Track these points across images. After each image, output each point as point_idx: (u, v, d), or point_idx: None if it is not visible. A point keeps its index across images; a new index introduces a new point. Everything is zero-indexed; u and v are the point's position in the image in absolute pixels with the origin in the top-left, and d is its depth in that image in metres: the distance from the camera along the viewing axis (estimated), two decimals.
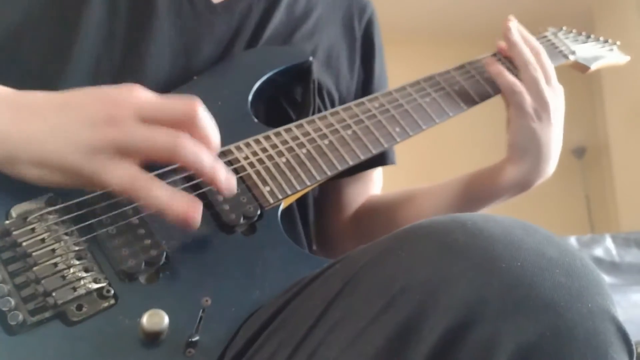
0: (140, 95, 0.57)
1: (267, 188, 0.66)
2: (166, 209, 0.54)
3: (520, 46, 0.86)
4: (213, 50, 0.78)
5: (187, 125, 0.56)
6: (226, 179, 0.58)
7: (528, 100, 0.83)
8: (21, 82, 0.66)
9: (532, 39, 0.89)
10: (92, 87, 0.59)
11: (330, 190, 0.92)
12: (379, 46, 0.96)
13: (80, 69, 0.70)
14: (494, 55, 0.91)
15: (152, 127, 0.55)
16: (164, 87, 0.73)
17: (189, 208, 0.55)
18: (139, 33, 0.73)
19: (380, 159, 0.93)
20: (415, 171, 2.74)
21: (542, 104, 0.83)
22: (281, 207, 0.67)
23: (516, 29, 0.88)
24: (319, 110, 0.80)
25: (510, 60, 0.89)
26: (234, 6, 0.80)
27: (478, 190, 0.88)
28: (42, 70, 0.70)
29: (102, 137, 0.54)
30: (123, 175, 0.54)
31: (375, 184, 0.99)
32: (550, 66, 0.87)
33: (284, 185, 0.67)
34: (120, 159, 0.54)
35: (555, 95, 0.85)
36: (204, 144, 0.57)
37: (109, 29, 0.72)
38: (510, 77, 0.84)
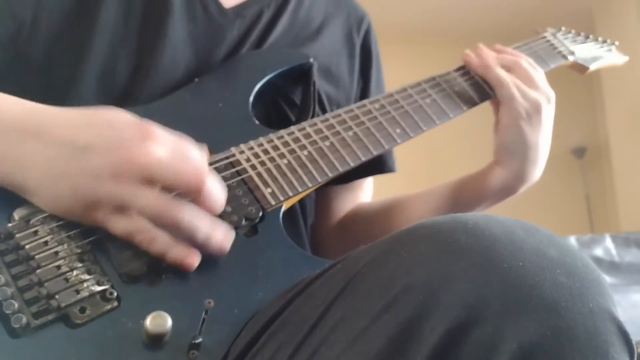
0: (151, 150, 0.55)
1: (269, 189, 0.66)
2: (166, 255, 0.56)
3: (489, 59, 0.87)
4: (224, 54, 0.78)
5: (192, 195, 0.57)
6: (220, 247, 0.59)
7: (517, 96, 0.83)
8: (34, 81, 0.67)
9: (508, 49, 0.91)
10: (105, 120, 0.57)
11: (320, 196, 0.93)
12: (376, 55, 0.97)
13: (96, 68, 0.71)
14: (462, 68, 0.91)
15: (154, 197, 0.55)
16: (174, 87, 0.74)
17: (186, 256, 0.57)
18: (153, 34, 0.74)
19: (380, 166, 0.93)
20: (413, 177, 2.74)
21: (532, 104, 0.83)
22: (283, 209, 0.67)
23: (482, 46, 0.90)
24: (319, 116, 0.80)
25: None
26: (245, 11, 0.81)
27: (465, 195, 0.88)
28: (55, 70, 0.70)
29: (104, 193, 0.54)
30: (123, 229, 0.55)
31: (365, 193, 0.99)
32: (539, 71, 0.88)
33: (285, 186, 0.67)
34: (121, 214, 0.55)
35: (547, 99, 0.85)
36: (205, 209, 0.57)
37: (124, 29, 0.73)
38: (499, 71, 0.85)
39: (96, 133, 0.56)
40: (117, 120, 0.57)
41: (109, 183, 0.54)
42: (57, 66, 0.70)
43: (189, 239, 0.57)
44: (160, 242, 0.56)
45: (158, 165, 0.55)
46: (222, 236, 0.58)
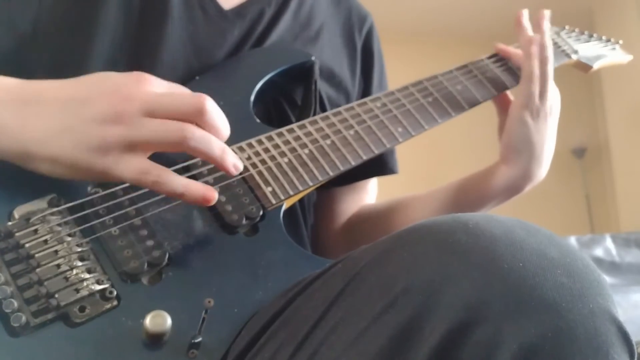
0: (147, 88, 0.57)
1: (270, 188, 0.66)
2: (184, 192, 0.56)
3: (544, 38, 0.85)
4: (225, 55, 0.78)
5: (196, 118, 0.57)
6: (234, 164, 0.59)
7: (537, 93, 0.82)
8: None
9: (546, 30, 0.87)
10: (100, 76, 0.59)
11: (324, 199, 0.93)
12: (379, 56, 0.97)
13: (96, 70, 0.71)
14: (493, 56, 0.91)
15: (159, 122, 0.56)
16: None
17: (205, 189, 0.57)
18: (152, 38, 0.74)
19: (382, 168, 0.93)
20: (415, 176, 2.74)
21: (542, 102, 0.82)
22: (283, 208, 0.67)
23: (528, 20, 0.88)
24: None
25: (508, 60, 0.90)
26: (245, 12, 0.81)
27: (469, 195, 0.87)
28: (56, 73, 0.70)
29: (111, 135, 0.54)
30: (135, 169, 0.55)
31: (370, 194, 0.99)
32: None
33: (286, 185, 0.67)
34: (131, 153, 0.55)
35: (554, 98, 0.84)
36: (212, 133, 0.58)
37: (123, 34, 0.73)
38: (535, 66, 0.83)
39: (92, 86, 0.57)
40: (110, 74, 0.58)
41: (115, 123, 0.55)
42: (60, 74, 0.70)
43: (205, 155, 0.57)
44: (175, 179, 0.56)
45: (157, 97, 0.56)
46: (233, 154, 0.59)
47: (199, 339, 0.53)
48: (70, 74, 0.69)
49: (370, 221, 0.95)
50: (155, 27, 0.74)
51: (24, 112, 0.56)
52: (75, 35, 0.71)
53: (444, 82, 0.86)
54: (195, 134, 0.56)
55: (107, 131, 0.54)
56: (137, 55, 0.73)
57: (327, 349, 0.45)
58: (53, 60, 0.70)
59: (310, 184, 0.69)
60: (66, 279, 0.54)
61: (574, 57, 0.99)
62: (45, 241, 0.56)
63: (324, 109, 0.84)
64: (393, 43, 2.53)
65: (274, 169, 0.68)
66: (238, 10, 0.80)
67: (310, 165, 0.70)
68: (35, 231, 0.56)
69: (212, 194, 0.57)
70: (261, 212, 0.65)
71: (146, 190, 0.61)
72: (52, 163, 0.56)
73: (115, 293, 0.55)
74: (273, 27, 0.83)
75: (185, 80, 0.75)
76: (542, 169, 0.85)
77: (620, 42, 1.09)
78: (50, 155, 0.55)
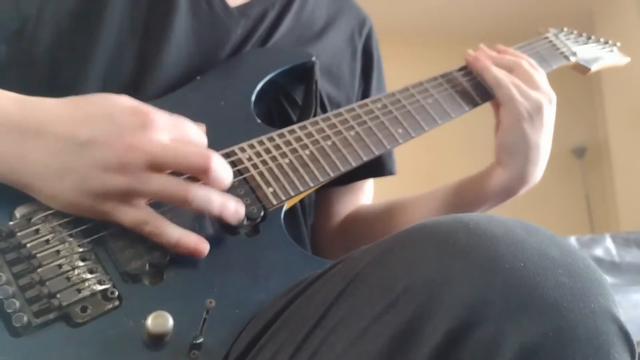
0: (153, 136, 0.56)
1: (271, 189, 0.66)
2: (177, 245, 0.57)
3: (484, 62, 0.87)
4: (228, 53, 0.79)
5: (200, 176, 0.58)
6: (234, 215, 0.60)
7: (517, 96, 0.82)
8: (38, 79, 0.66)
9: (509, 50, 0.91)
10: (103, 111, 0.57)
11: (321, 198, 0.93)
12: (378, 58, 0.98)
13: (101, 67, 0.71)
14: (464, 68, 0.91)
15: (163, 179, 0.56)
16: (177, 84, 0.74)
17: (197, 244, 0.58)
18: (158, 32, 0.74)
19: (380, 169, 0.93)
20: (414, 178, 2.74)
21: (533, 104, 0.82)
22: (284, 208, 0.67)
23: (482, 46, 0.90)
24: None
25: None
26: (250, 11, 0.81)
27: (466, 197, 0.87)
28: (60, 69, 0.70)
29: (113, 184, 0.55)
30: (133, 218, 0.56)
31: (366, 195, 0.99)
32: (540, 72, 0.87)
33: (287, 186, 0.67)
34: (130, 201, 0.56)
35: (548, 100, 0.84)
36: (215, 187, 0.58)
37: (130, 28, 0.73)
38: (497, 71, 0.84)
39: (96, 126, 0.56)
40: (115, 109, 0.57)
41: (117, 173, 0.54)
42: (62, 66, 0.70)
43: (206, 211, 0.58)
44: (170, 231, 0.57)
45: (162, 150, 0.56)
46: (235, 205, 0.60)
47: (200, 340, 0.53)
48: (75, 63, 0.69)
49: (368, 222, 0.95)
50: (162, 22, 0.74)
51: (24, 143, 0.55)
52: (80, 28, 0.71)
53: (444, 83, 0.86)
54: (197, 195, 0.57)
55: (109, 180, 0.54)
56: (141, 50, 0.73)
57: (328, 349, 0.45)
58: (56, 53, 0.70)
59: (311, 184, 0.69)
60: (68, 279, 0.54)
61: (573, 59, 0.99)
62: (47, 241, 0.56)
63: (324, 109, 0.84)
64: (392, 43, 2.53)
65: (275, 170, 0.68)
66: (243, 9, 0.81)
67: (311, 165, 0.70)
68: (37, 231, 0.56)
69: (203, 248, 0.58)
70: (262, 213, 0.65)
71: None
72: (50, 199, 0.56)
73: (116, 293, 0.55)
74: (276, 27, 0.83)
75: (186, 77, 0.75)
76: (538, 170, 0.85)
77: (618, 44, 1.09)
78: (50, 193, 0.56)
